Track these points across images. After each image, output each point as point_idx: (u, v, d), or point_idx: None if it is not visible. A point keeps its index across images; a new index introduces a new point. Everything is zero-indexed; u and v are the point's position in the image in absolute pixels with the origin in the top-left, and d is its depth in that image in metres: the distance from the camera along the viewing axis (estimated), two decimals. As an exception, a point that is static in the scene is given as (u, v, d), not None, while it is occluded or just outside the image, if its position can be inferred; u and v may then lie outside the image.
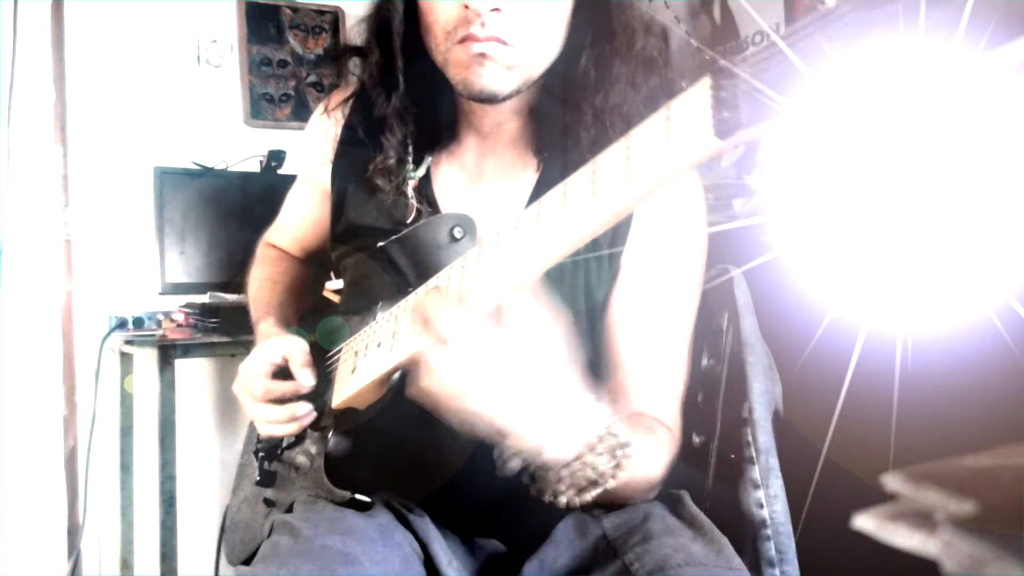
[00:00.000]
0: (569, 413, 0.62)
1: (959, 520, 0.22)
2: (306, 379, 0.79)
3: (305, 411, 0.79)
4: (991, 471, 0.25)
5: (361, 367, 0.75)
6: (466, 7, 0.72)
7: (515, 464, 0.63)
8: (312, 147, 0.96)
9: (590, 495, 0.63)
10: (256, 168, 2.34)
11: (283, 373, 0.81)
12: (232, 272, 2.20)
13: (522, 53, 0.75)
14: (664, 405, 0.82)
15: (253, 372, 0.81)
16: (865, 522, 0.24)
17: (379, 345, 0.73)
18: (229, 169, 2.31)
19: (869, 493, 0.28)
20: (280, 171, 2.29)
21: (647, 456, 0.73)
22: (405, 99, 0.83)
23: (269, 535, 0.77)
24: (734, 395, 0.93)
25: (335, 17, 2.57)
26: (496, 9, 0.72)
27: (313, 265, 1.10)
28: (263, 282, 1.03)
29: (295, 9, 2.54)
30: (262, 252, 1.10)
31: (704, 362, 0.99)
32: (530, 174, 0.85)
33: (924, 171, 0.35)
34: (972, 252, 0.36)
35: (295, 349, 0.81)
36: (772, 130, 0.42)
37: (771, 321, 0.97)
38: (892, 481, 0.24)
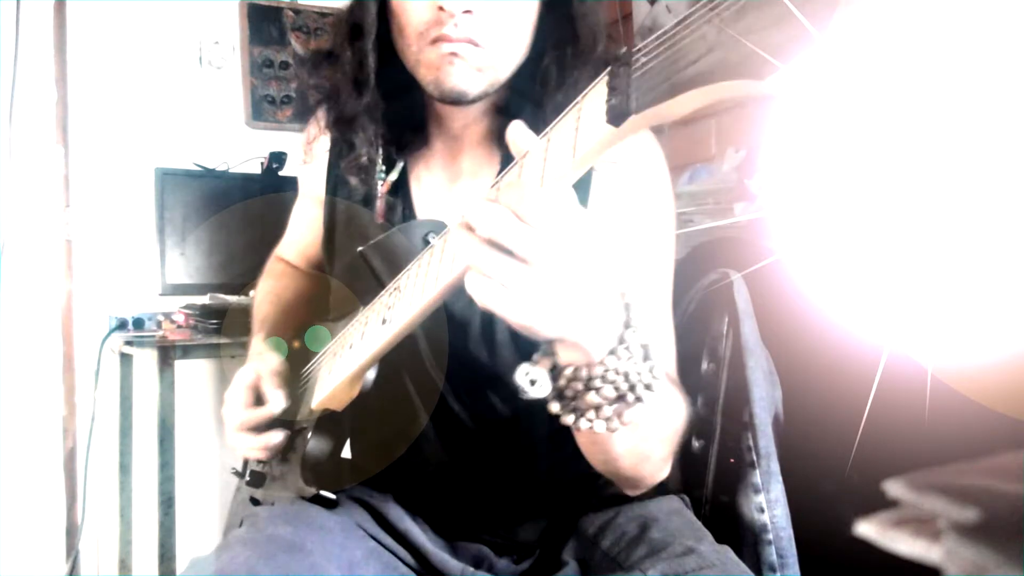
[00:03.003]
0: (604, 304, 0.56)
1: (961, 527, 0.22)
2: (276, 403, 0.81)
3: (277, 440, 0.81)
4: (994, 478, 0.25)
5: (335, 368, 0.78)
6: (440, 8, 0.74)
7: (543, 385, 0.57)
8: (308, 159, 0.98)
9: (628, 413, 0.58)
10: (257, 170, 2.34)
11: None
12: (233, 273, 2.20)
13: (491, 55, 0.77)
14: None
15: (233, 403, 0.83)
16: (867, 529, 0.24)
17: (351, 347, 0.76)
18: (230, 170, 2.32)
19: (871, 498, 0.28)
20: (281, 173, 2.30)
21: (669, 392, 0.68)
22: (376, 97, 0.84)
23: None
24: (734, 400, 0.93)
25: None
26: (468, 11, 0.74)
27: (321, 278, 1.11)
28: (267, 295, 1.06)
29: (297, 11, 2.55)
30: (270, 266, 1.13)
31: (704, 366, 0.98)
32: (492, 169, 0.86)
33: (926, 173, 0.35)
34: (971, 259, 0.36)
35: (266, 370, 0.83)
36: (663, 115, 0.42)
37: (771, 326, 0.97)
38: (894, 487, 0.24)
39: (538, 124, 0.81)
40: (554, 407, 0.59)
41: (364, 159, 0.86)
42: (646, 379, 0.58)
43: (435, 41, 0.75)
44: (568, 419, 0.59)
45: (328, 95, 0.89)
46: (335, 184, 0.92)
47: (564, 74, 0.80)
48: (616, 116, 0.45)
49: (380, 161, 0.87)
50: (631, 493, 0.80)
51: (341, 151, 0.90)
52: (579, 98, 0.50)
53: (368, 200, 0.88)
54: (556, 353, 0.58)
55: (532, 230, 0.50)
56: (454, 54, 0.75)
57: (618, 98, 0.44)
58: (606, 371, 0.57)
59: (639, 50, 0.44)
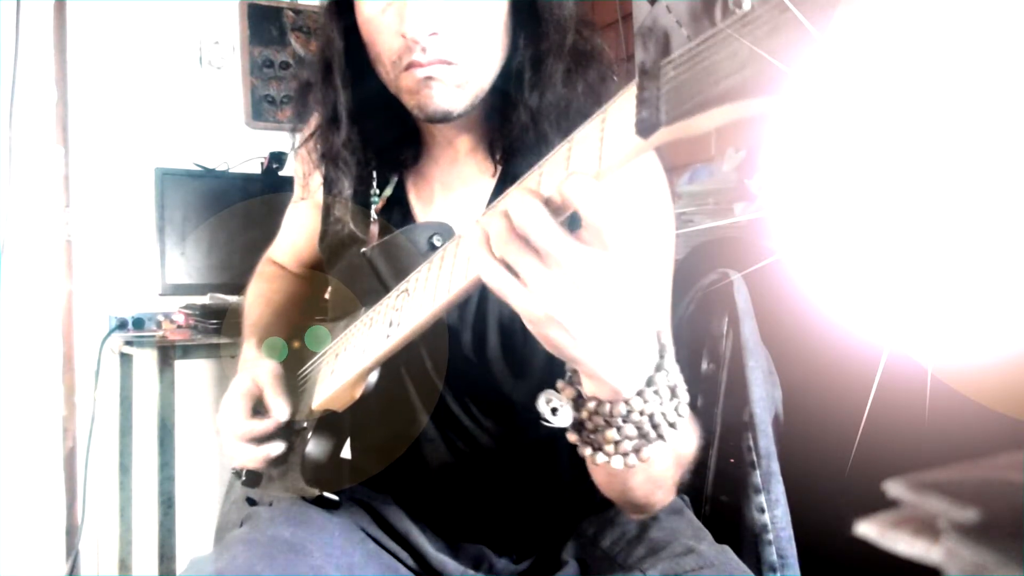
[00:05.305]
0: (639, 342, 0.55)
1: (961, 527, 0.22)
2: (280, 412, 0.78)
3: (278, 452, 0.79)
4: (994, 478, 0.25)
5: (338, 369, 0.77)
6: (404, 36, 0.73)
7: (564, 415, 0.56)
8: (305, 195, 0.99)
9: (647, 450, 0.57)
10: (257, 170, 2.34)
11: (261, 403, 0.81)
12: (233, 273, 2.20)
13: (467, 70, 0.76)
14: None
15: (232, 413, 0.80)
16: (867, 529, 0.24)
17: (354, 348, 0.75)
18: (230, 170, 2.32)
19: (871, 498, 0.28)
20: (281, 173, 2.30)
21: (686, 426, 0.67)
22: (354, 130, 0.84)
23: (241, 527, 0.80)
24: (734, 400, 0.93)
25: (337, 19, 2.58)
26: (434, 33, 0.73)
27: (312, 280, 1.11)
28: (258, 298, 1.05)
29: (297, 11, 2.55)
30: (261, 268, 1.12)
31: (704, 366, 0.99)
32: (487, 180, 0.86)
33: (926, 173, 0.35)
34: (971, 259, 0.36)
35: (266, 377, 0.80)
36: (692, 128, 0.42)
37: (771, 326, 0.97)
38: (895, 487, 0.24)
39: (518, 127, 0.81)
40: (572, 437, 0.59)
41: (349, 192, 0.86)
42: (671, 418, 0.57)
43: (408, 67, 0.75)
44: (585, 452, 0.58)
45: (315, 129, 0.89)
46: (328, 212, 0.92)
47: (538, 72, 0.79)
48: (645, 128, 0.44)
49: (373, 184, 0.87)
50: (637, 518, 0.79)
51: (331, 183, 0.90)
52: (604, 108, 0.50)
53: (361, 227, 0.87)
54: (580, 383, 0.57)
55: (565, 233, 0.49)
56: (430, 78, 0.74)
57: (648, 111, 0.44)
58: (630, 411, 0.56)
59: (669, 63, 0.43)
